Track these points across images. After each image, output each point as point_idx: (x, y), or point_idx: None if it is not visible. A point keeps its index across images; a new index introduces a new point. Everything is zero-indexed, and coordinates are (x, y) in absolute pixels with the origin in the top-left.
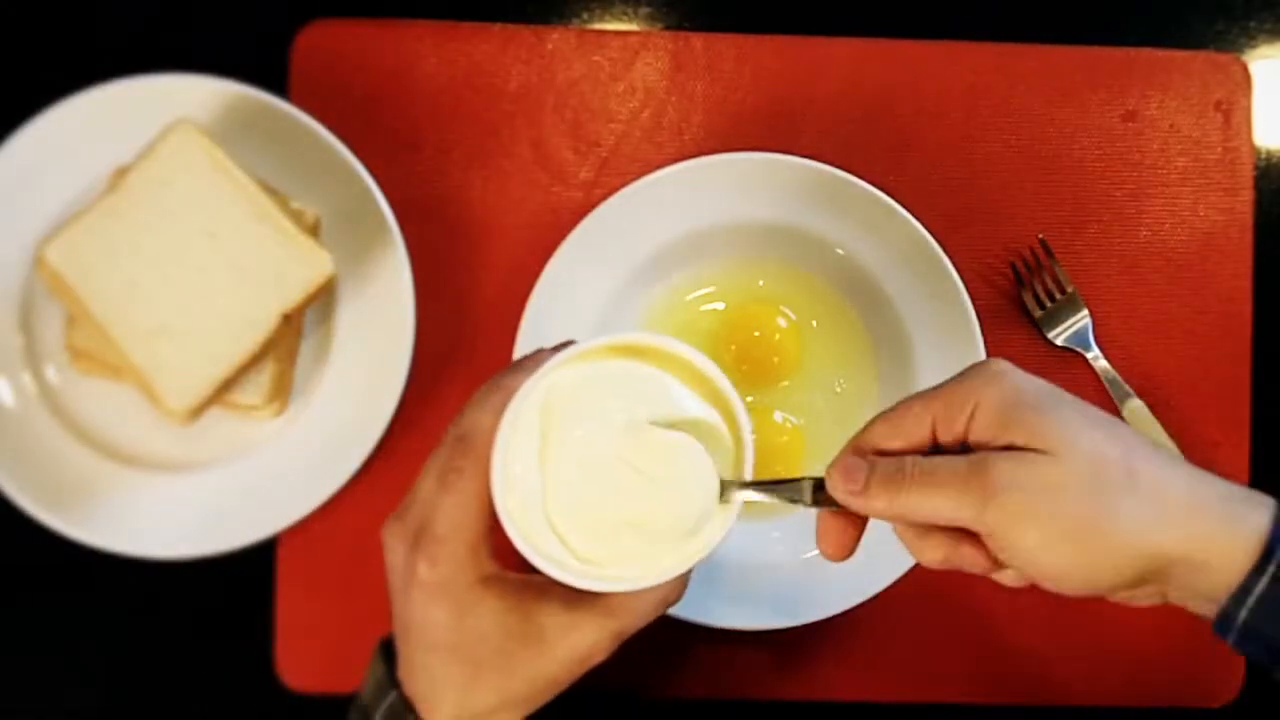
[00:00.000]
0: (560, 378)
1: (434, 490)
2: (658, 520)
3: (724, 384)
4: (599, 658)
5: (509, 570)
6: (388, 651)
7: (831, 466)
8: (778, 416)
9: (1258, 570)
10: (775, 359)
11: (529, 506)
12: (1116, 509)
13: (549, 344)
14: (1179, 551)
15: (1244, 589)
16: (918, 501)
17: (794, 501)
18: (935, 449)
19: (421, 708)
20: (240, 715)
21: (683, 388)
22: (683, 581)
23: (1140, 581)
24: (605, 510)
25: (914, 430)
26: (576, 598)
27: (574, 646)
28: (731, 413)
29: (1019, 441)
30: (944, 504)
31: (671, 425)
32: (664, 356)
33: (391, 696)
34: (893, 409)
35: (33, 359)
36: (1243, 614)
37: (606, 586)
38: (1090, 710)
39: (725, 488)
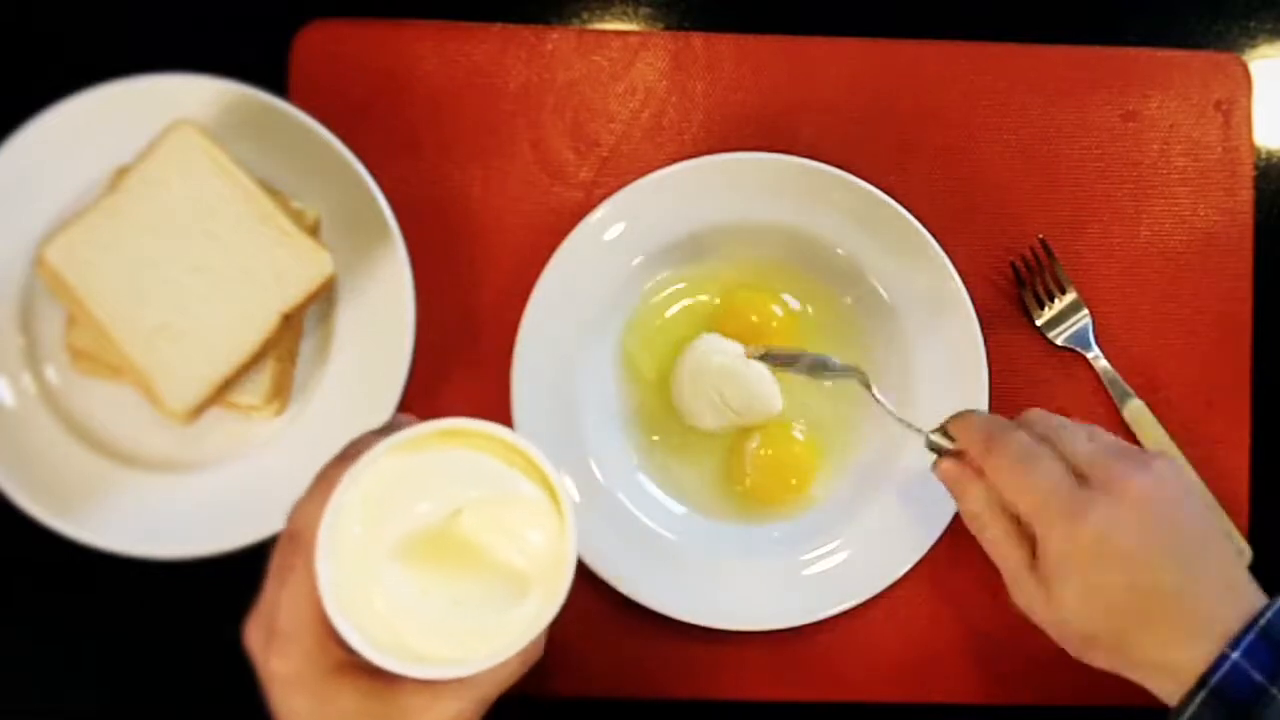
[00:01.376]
0: (381, 468)
1: (274, 587)
2: (478, 599)
3: (547, 465)
4: None
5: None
6: None
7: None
8: (796, 434)
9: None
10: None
11: (357, 600)
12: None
13: (550, 344)
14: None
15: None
16: (1021, 487)
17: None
18: None
19: None
20: (240, 715)
21: (504, 468)
22: (540, 640)
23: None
24: (428, 599)
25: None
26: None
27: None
28: (555, 493)
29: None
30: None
31: (493, 507)
32: (487, 440)
33: None
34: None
35: (33, 359)
36: None
37: (447, 673)
38: (1090, 710)
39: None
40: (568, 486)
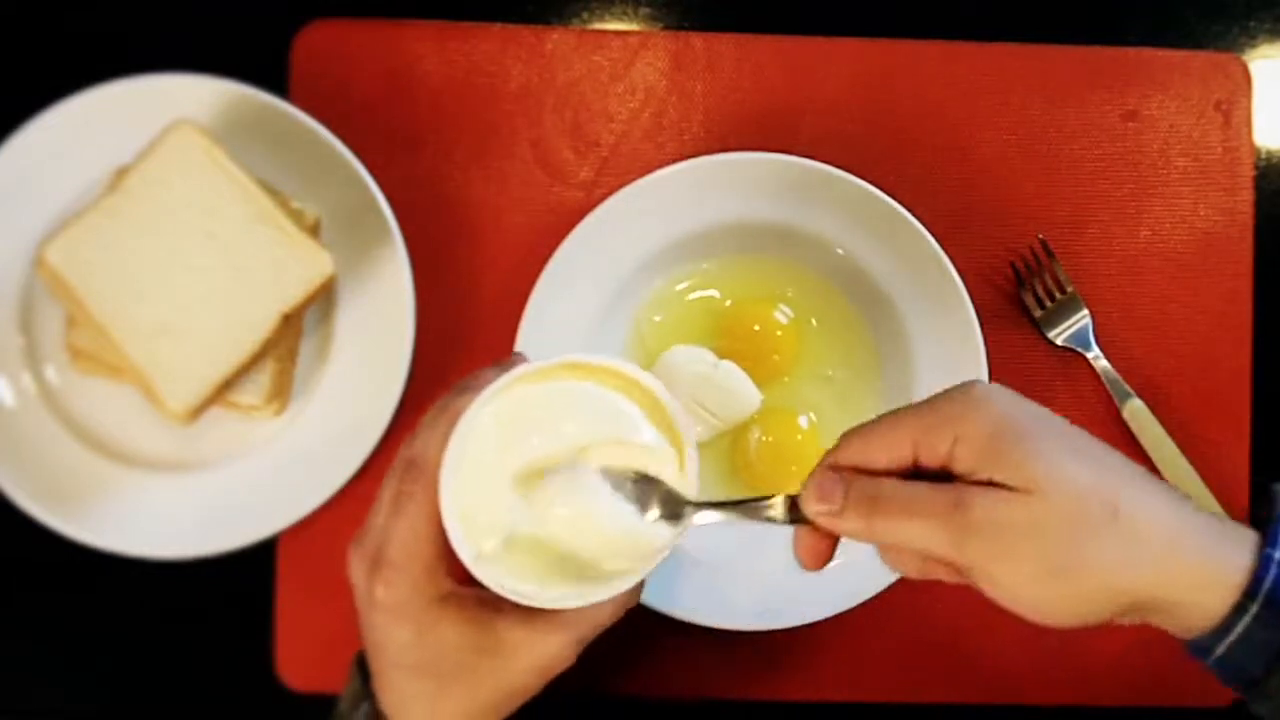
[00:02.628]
0: (506, 400)
1: (387, 515)
2: (594, 552)
3: (673, 406)
4: (561, 666)
5: (466, 586)
6: (363, 663)
7: (807, 483)
8: (803, 422)
9: (1239, 609)
10: (775, 356)
11: (477, 524)
12: (1093, 549)
13: (550, 344)
14: (1156, 590)
15: (1224, 628)
16: (894, 528)
17: (768, 520)
18: (914, 471)
19: (394, 717)
20: (240, 715)
21: (632, 407)
22: (637, 588)
23: (1121, 615)
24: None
25: (894, 451)
26: (534, 609)
27: (535, 657)
28: (678, 435)
29: (999, 478)
30: (921, 535)
31: (618, 448)
32: (613, 376)
33: (364, 708)
34: (871, 425)
35: (33, 359)
36: (1220, 649)
37: (558, 603)
38: (1089, 710)
39: (682, 507)
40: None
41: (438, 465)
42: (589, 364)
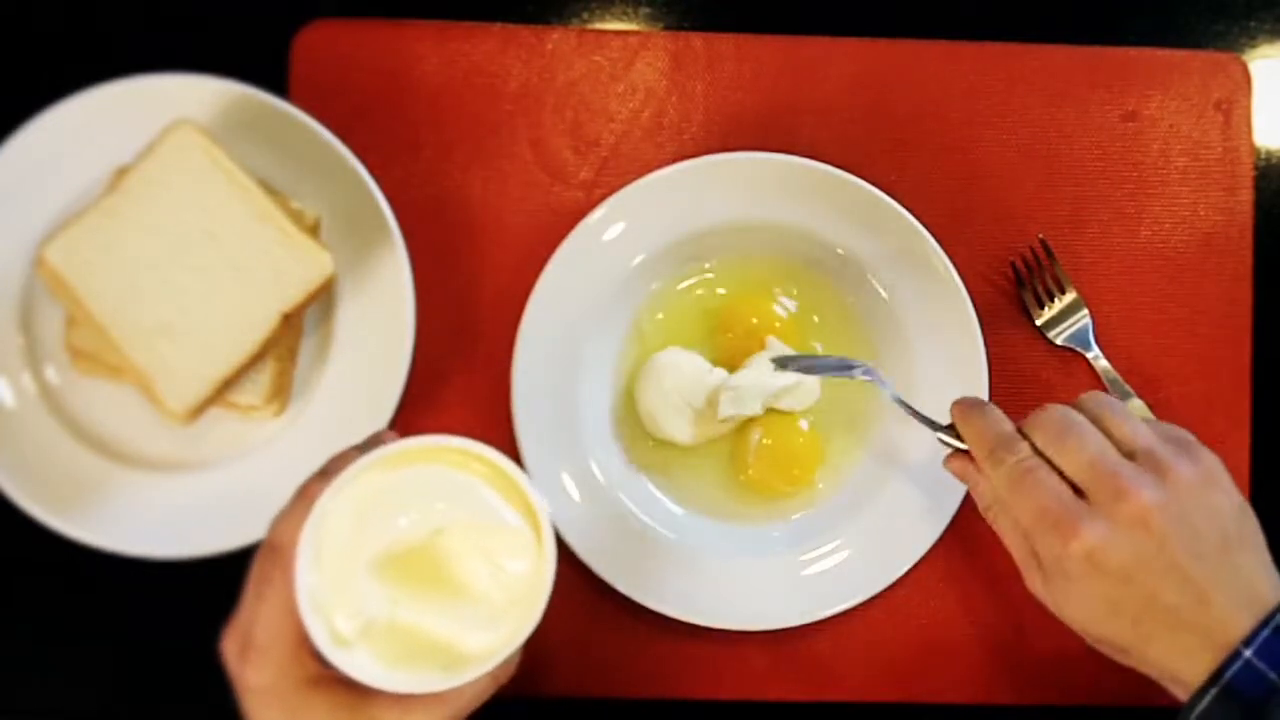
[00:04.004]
0: (362, 485)
1: (252, 600)
2: (450, 618)
3: (528, 487)
4: None
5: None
6: None
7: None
8: (803, 424)
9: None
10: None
11: (338, 613)
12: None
13: (550, 344)
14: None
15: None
16: (1018, 501)
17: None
18: None
19: None
20: (240, 715)
21: (489, 490)
22: (511, 659)
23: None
24: (401, 613)
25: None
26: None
27: None
28: (534, 515)
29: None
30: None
31: (473, 531)
32: (469, 458)
33: None
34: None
35: (33, 359)
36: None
37: (421, 687)
38: (1090, 710)
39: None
40: (567, 487)
41: (294, 550)
42: (445, 446)
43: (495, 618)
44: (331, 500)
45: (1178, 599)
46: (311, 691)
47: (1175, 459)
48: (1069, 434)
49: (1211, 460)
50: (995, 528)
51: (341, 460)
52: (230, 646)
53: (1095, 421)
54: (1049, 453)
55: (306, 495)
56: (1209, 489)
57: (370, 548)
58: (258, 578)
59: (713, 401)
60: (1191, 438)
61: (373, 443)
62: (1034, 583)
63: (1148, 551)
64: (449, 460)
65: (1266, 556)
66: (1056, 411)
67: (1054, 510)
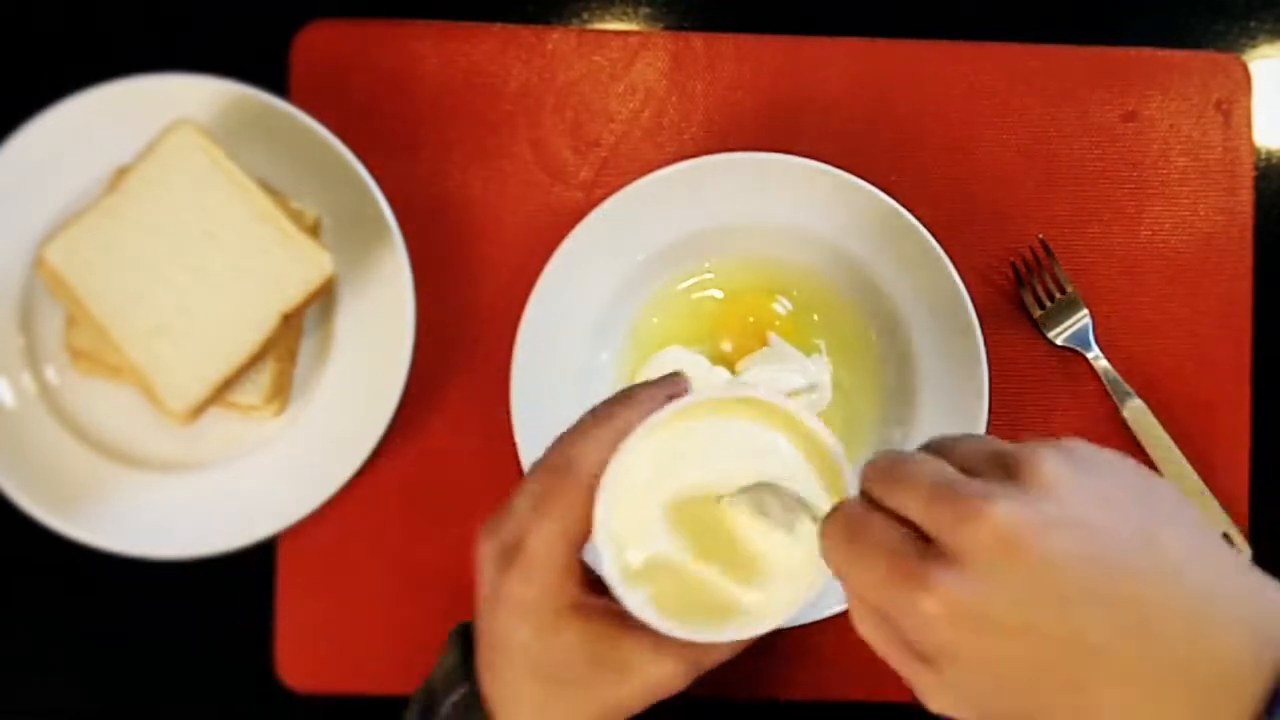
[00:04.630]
0: (671, 426)
1: (530, 511)
2: (726, 575)
3: (840, 460)
4: (674, 690)
5: (593, 597)
6: (465, 640)
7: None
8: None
9: None
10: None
11: (626, 548)
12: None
13: (550, 344)
14: None
15: None
16: (854, 573)
17: None
18: None
19: (496, 711)
20: (240, 715)
21: (798, 456)
22: (758, 636)
23: None
24: (683, 561)
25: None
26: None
27: (650, 680)
28: (840, 487)
29: None
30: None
31: (769, 490)
32: (780, 416)
33: (464, 689)
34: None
35: (33, 359)
36: None
37: (694, 636)
38: None
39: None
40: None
41: (593, 474)
42: (767, 403)
43: (772, 580)
44: (643, 439)
45: (1108, 635)
46: (569, 615)
47: (1033, 453)
48: (896, 469)
49: (1087, 447)
50: (866, 639)
51: (643, 393)
52: (491, 548)
53: (936, 451)
54: (886, 503)
55: (613, 423)
56: (1098, 473)
57: (665, 491)
58: (540, 492)
59: None
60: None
61: (669, 382)
62: (929, 691)
63: (1031, 585)
64: (752, 415)
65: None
66: (884, 455)
67: (892, 563)
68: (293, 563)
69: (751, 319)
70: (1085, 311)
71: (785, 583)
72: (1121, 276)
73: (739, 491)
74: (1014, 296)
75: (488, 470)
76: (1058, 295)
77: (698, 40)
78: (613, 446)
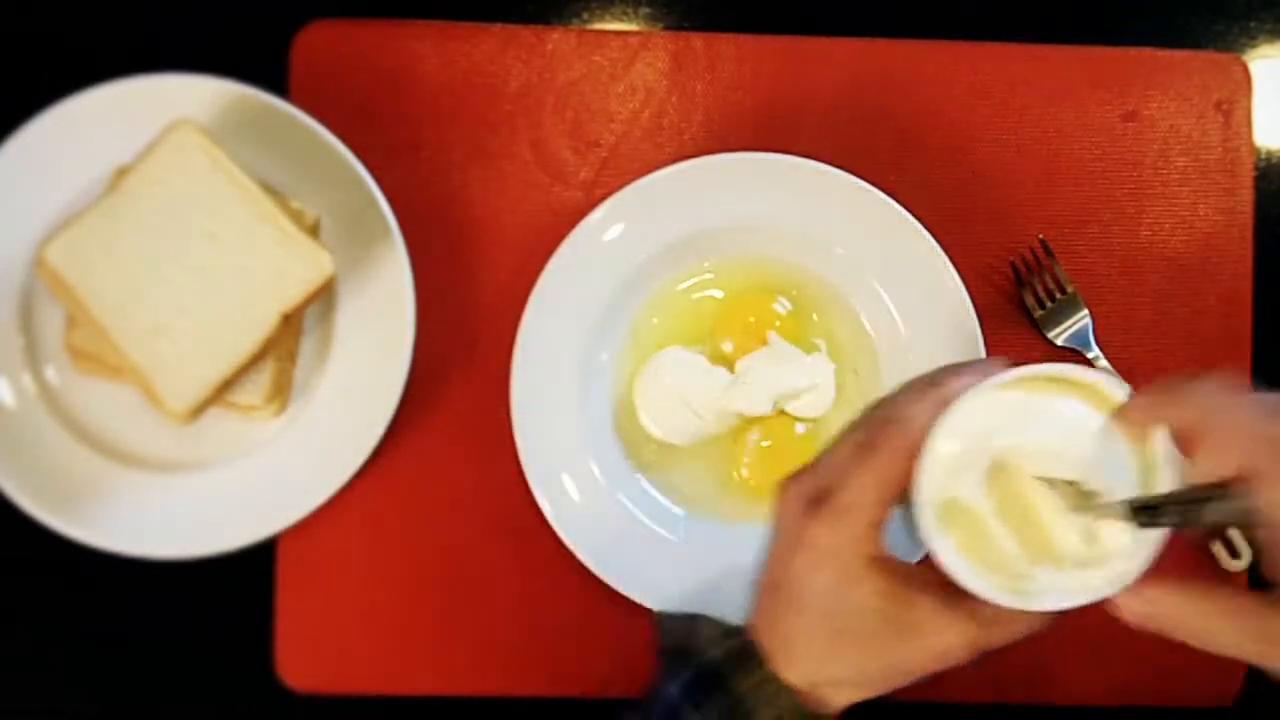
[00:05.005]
0: (996, 397)
1: (847, 460)
2: (1025, 551)
3: (1164, 453)
4: (954, 663)
5: (893, 555)
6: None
7: None
8: (800, 427)
9: None
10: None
11: (940, 503)
12: None
13: (550, 344)
14: None
15: None
16: None
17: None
18: None
19: (774, 658)
20: (240, 715)
21: (1126, 446)
22: (1046, 619)
23: None
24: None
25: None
26: (954, 599)
27: (940, 645)
28: (1154, 481)
29: None
30: None
31: (1089, 472)
32: (1100, 397)
33: (737, 640)
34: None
35: (33, 359)
36: None
37: (992, 596)
38: (1091, 710)
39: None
40: (567, 487)
41: (918, 432)
42: (1093, 385)
43: (1063, 565)
44: (967, 405)
45: None
46: (868, 568)
47: None
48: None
49: None
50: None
51: (967, 366)
52: (798, 492)
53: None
54: None
55: (942, 389)
56: None
57: (984, 455)
58: (864, 442)
59: (713, 401)
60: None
61: (991, 360)
62: None
63: None
64: (1078, 395)
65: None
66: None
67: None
68: (293, 563)
69: (751, 319)
70: (1085, 311)
71: (1077, 571)
72: (1121, 276)
73: (1055, 480)
74: (1014, 296)
75: (487, 471)
76: (1058, 295)
77: (698, 40)
78: (938, 410)
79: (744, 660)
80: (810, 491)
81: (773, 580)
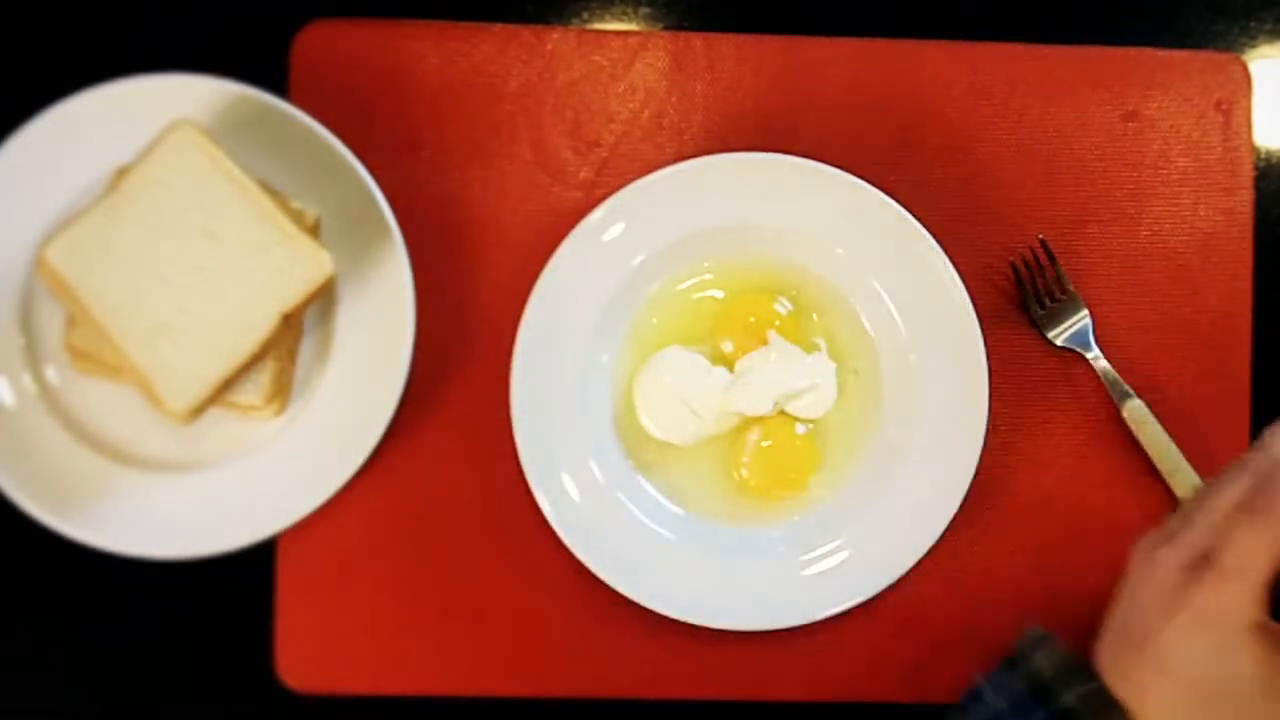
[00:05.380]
0: None
1: (1230, 520)
2: None
3: None
4: None
5: (1276, 622)
6: (1043, 642)
7: None
8: (800, 427)
9: None
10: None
11: None
12: None
13: (550, 344)
14: None
15: None
16: None
17: None
18: None
19: (1138, 713)
20: (240, 715)
21: None
22: None
23: None
24: None
25: None
26: None
27: None
28: None
29: None
30: None
31: None
32: None
33: (1093, 685)
34: None
35: (33, 359)
36: None
37: None
38: None
39: None
40: (567, 487)
41: None
42: None
43: None
44: None
45: None
46: (1250, 636)
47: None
48: None
49: None
50: None
51: None
52: (1173, 555)
53: None
54: None
55: None
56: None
57: None
58: (1250, 502)
59: (713, 401)
60: None
61: None
62: None
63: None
64: None
65: None
66: None
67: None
68: (293, 563)
69: (752, 319)
70: (1085, 312)
71: None
72: (1121, 276)
73: None
74: (1014, 296)
75: (487, 471)
76: (1058, 295)
77: (698, 40)
78: None
79: (1108, 710)
80: (1190, 547)
81: (1136, 636)
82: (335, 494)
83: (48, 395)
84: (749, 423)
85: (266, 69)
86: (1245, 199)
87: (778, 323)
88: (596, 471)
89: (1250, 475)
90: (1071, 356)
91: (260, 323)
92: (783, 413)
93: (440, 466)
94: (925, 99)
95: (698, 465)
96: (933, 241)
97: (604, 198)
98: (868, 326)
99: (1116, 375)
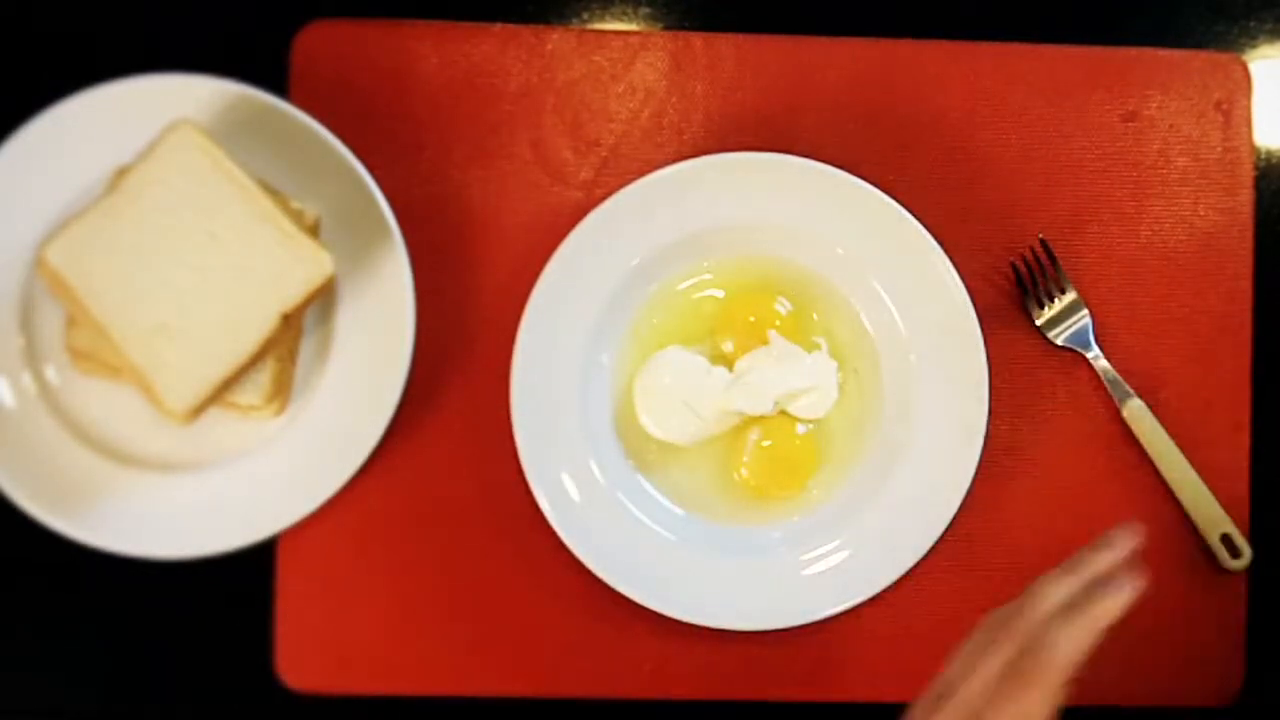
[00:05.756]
0: None
1: (993, 688)
2: None
3: None
4: None
5: None
6: None
7: None
8: (800, 427)
9: None
10: None
11: None
12: None
13: (550, 344)
14: None
15: None
16: None
17: None
18: None
19: None
20: (240, 715)
21: None
22: None
23: None
24: None
25: None
26: None
27: None
28: None
29: None
30: None
31: None
32: None
33: None
34: None
35: (33, 359)
36: None
37: None
38: (1090, 710)
39: None
40: (567, 487)
41: (1069, 666)
42: None
43: None
44: None
45: None
46: None
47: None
48: None
49: None
50: None
51: (1103, 554)
52: None
53: None
54: None
55: (1082, 607)
56: None
57: None
58: (1007, 671)
59: (713, 401)
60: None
61: (1119, 544)
62: None
63: None
64: None
65: None
66: None
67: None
68: (293, 563)
69: (752, 319)
70: (1085, 311)
71: None
72: (1121, 276)
73: None
74: (1014, 296)
75: (487, 470)
76: (1058, 295)
77: (698, 40)
78: (1090, 639)
79: None
80: None
81: None
82: (335, 494)
83: (48, 395)
84: (749, 423)
85: (266, 69)
86: (1245, 199)
87: (778, 322)
88: (596, 471)
89: (1017, 637)
90: (1071, 356)
91: (260, 323)
92: (783, 412)
93: (440, 466)
94: (925, 99)
95: (698, 465)
96: (933, 241)
97: (604, 198)
98: (868, 326)
99: (1116, 375)
